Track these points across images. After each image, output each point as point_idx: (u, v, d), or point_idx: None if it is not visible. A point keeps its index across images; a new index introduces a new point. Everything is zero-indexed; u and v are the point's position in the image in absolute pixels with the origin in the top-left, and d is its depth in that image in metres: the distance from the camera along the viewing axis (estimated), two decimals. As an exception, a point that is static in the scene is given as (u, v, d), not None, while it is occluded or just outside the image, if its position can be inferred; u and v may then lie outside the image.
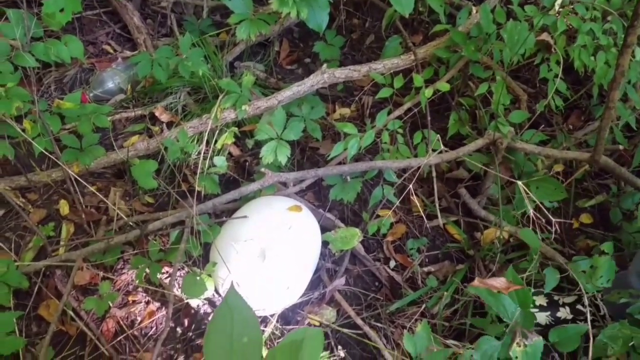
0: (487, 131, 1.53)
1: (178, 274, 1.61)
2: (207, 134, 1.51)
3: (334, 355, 1.48)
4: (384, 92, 1.60)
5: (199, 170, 1.47)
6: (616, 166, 1.49)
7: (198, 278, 1.49)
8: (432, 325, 1.57)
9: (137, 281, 1.51)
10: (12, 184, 1.69)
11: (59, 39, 1.64)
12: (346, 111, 1.85)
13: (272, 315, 1.51)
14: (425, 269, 1.69)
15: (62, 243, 1.64)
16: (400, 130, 1.61)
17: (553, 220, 1.36)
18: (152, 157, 1.75)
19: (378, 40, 2.11)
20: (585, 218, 1.82)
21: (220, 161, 1.61)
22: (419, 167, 1.54)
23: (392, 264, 1.71)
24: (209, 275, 1.51)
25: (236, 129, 1.62)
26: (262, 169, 1.59)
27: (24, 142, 1.63)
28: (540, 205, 1.47)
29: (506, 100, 1.50)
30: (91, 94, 1.85)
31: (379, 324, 1.60)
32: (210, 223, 1.56)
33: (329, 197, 1.64)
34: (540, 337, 1.27)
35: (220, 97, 1.61)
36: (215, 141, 1.58)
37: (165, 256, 1.53)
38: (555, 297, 1.60)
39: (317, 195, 1.79)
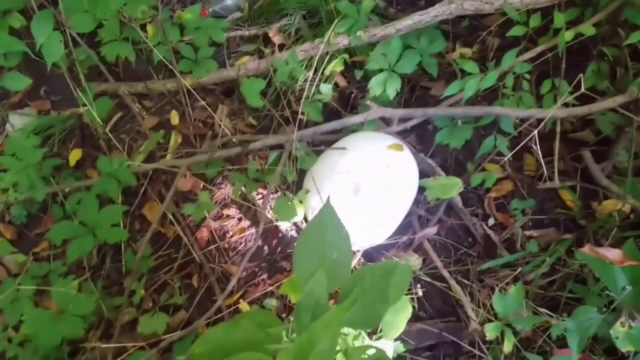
0: (630, 88, 1.29)
1: (271, 196, 1.59)
2: (317, 58, 1.43)
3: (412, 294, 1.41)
4: (517, 30, 1.39)
5: (304, 95, 1.40)
6: None
7: (290, 203, 1.46)
8: (525, 291, 1.43)
9: (233, 196, 1.51)
10: (130, 88, 1.75)
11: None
12: (467, 51, 1.67)
13: (357, 251, 1.46)
14: (527, 233, 1.53)
15: (169, 151, 1.69)
16: (528, 76, 1.42)
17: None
18: (261, 77, 1.71)
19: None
20: None
21: (327, 89, 1.53)
22: (541, 120, 1.35)
23: (491, 221, 1.57)
24: (300, 202, 1.48)
25: (347, 56, 1.52)
26: (368, 102, 1.49)
27: (144, 49, 1.66)
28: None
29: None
30: (210, 9, 1.83)
31: (465, 281, 1.49)
32: (308, 151, 1.51)
33: (435, 140, 1.51)
34: None
35: (335, 21, 1.50)
36: (325, 67, 1.50)
37: (262, 176, 1.52)
38: None
39: (419, 139, 1.66)
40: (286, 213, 1.45)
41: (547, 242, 1.52)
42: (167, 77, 1.78)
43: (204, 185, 1.59)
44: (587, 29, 1.32)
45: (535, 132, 1.21)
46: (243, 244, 1.61)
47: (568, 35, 1.32)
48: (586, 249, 1.14)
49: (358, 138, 1.47)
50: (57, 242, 1.42)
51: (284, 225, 1.53)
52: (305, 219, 1.52)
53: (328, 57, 1.52)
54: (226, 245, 1.60)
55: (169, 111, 1.76)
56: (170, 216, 1.58)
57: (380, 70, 1.45)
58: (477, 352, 1.39)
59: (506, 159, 1.40)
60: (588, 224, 1.49)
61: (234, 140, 1.58)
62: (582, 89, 1.13)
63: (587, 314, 1.10)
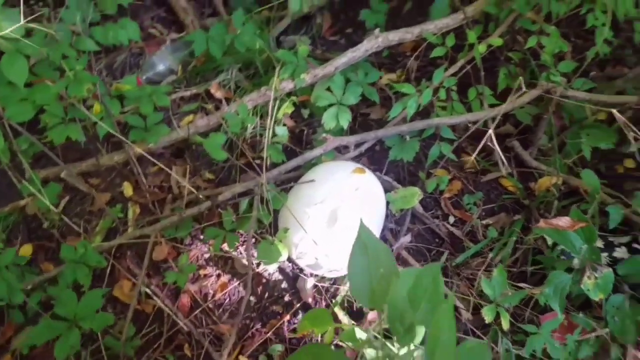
0: (540, 82, 1.50)
1: (246, 244, 1.58)
2: (271, 103, 1.47)
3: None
4: (438, 51, 1.55)
5: (266, 140, 1.43)
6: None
7: (272, 245, 1.46)
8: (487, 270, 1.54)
9: (214, 251, 1.48)
10: (75, 169, 1.65)
11: (114, 23, 1.60)
12: (392, 77, 1.81)
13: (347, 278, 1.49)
14: (484, 222, 1.66)
15: (130, 223, 1.61)
16: (455, 88, 1.57)
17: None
18: (213, 132, 1.71)
19: (416, 7, 2.07)
20: (630, 162, 1.78)
21: (282, 131, 1.57)
22: (475, 122, 1.50)
23: (452, 219, 1.68)
24: (281, 242, 1.48)
25: (295, 98, 1.58)
26: (323, 135, 1.55)
27: (88, 126, 1.59)
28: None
29: (564, 47, 1.46)
30: (143, 77, 1.80)
31: (445, 278, 1.57)
32: (277, 191, 1.53)
33: (386, 159, 1.60)
34: (610, 269, 1.25)
35: (277, 68, 1.56)
36: (277, 110, 1.54)
37: (238, 226, 1.50)
38: (611, 239, 1.58)
39: (371, 160, 1.75)
40: (271, 256, 1.44)
41: (501, 226, 1.66)
42: (111, 150, 1.71)
43: (179, 248, 1.54)
44: (495, 40, 1.51)
45: (467, 134, 1.35)
46: (228, 299, 1.56)
47: (481, 47, 1.49)
48: (541, 223, 1.27)
49: (322, 169, 1.52)
50: (39, 344, 1.28)
51: (271, 268, 1.52)
52: (289, 259, 1.52)
53: (278, 101, 1.57)
54: (211, 306, 1.54)
55: (120, 184, 1.69)
56: (148, 290, 1.50)
57: (330, 105, 1.52)
58: (474, 338, 1.47)
59: (446, 161, 1.52)
60: (531, 202, 1.65)
61: (200, 196, 1.55)
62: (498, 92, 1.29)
63: (559, 277, 1.22)
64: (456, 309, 1.47)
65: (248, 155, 1.65)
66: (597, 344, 1.25)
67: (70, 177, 1.61)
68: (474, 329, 1.46)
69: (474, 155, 1.41)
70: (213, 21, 1.91)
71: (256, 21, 1.81)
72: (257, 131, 1.71)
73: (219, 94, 1.76)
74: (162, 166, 1.56)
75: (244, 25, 1.66)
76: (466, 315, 1.46)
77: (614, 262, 1.56)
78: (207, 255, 1.60)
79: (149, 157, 1.54)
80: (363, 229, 0.74)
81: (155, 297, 1.49)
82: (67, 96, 1.38)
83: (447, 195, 1.69)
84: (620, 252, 1.56)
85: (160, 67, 1.82)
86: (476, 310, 1.49)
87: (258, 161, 1.69)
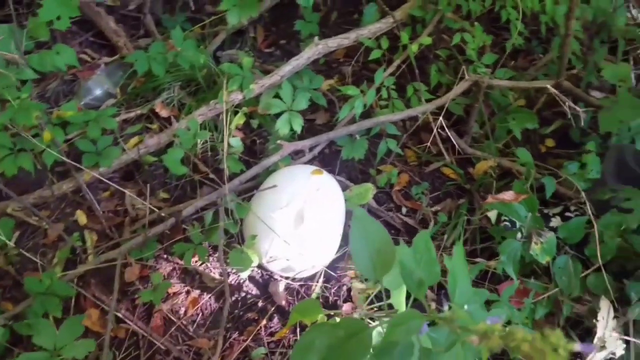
0: (469, 74, 1.72)
1: (212, 254, 1.64)
2: (224, 115, 1.56)
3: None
4: (375, 54, 1.73)
5: (224, 152, 1.51)
6: (573, 87, 1.73)
7: (242, 253, 1.54)
8: (450, 254, 1.73)
9: (186, 265, 1.52)
10: (20, 203, 1.63)
11: (48, 49, 1.61)
12: (331, 82, 1.96)
13: (319, 273, 1.60)
14: (433, 209, 1.85)
15: (89, 251, 1.61)
16: (393, 87, 1.75)
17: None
18: (163, 151, 1.76)
19: (341, 16, 2.25)
20: (550, 142, 2.07)
21: (236, 142, 1.66)
22: (416, 118, 1.69)
23: (404, 210, 1.85)
24: (250, 249, 1.56)
25: (246, 109, 1.68)
26: (278, 141, 1.66)
27: (37, 157, 1.58)
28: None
29: (488, 40, 1.69)
30: (81, 103, 1.81)
31: (406, 264, 1.73)
32: (239, 200, 1.61)
33: (342, 156, 1.74)
34: (553, 233, 1.47)
35: (225, 81, 1.65)
36: (229, 122, 1.63)
37: (205, 238, 1.56)
38: (545, 211, 1.82)
39: (323, 162, 1.88)
40: (243, 263, 1.52)
41: (449, 210, 1.86)
42: (57, 180, 1.70)
43: (148, 267, 1.57)
44: (425, 39, 1.71)
45: (412, 129, 1.53)
46: (200, 313, 1.61)
47: (414, 47, 1.69)
48: (489, 199, 1.47)
49: (281, 175, 1.62)
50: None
51: (243, 275, 1.59)
52: (259, 265, 1.60)
53: (229, 113, 1.66)
54: (185, 322, 1.58)
55: (72, 213, 1.68)
56: (119, 314, 1.51)
57: (282, 112, 1.64)
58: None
59: (393, 157, 1.69)
60: (472, 186, 1.87)
61: (162, 214, 1.59)
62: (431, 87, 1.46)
63: (510, 245, 1.41)
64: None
65: (202, 169, 1.72)
66: (550, 304, 1.45)
67: (18, 212, 1.59)
68: (440, 308, 1.63)
69: (430, 145, 1.58)
70: (146, 41, 1.96)
71: (192, 39, 1.88)
72: (207, 145, 1.78)
73: (164, 112, 1.81)
74: (118, 187, 1.59)
75: (185, 42, 1.73)
76: (430, 295, 1.62)
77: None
78: (174, 273, 1.64)
79: (105, 180, 1.57)
80: (358, 211, 0.85)
81: (128, 321, 1.51)
82: (15, 126, 1.38)
83: (397, 188, 1.86)
84: (555, 222, 1.80)
85: (98, 92, 1.84)
86: (439, 288, 1.65)
87: (212, 175, 1.76)
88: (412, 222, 1.82)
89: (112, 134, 1.66)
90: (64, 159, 1.50)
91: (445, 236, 1.75)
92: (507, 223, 1.70)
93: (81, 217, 1.66)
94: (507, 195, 1.47)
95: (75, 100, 1.78)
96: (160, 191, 1.76)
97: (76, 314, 1.53)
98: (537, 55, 2.19)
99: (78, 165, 1.52)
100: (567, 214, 1.79)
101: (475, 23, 1.71)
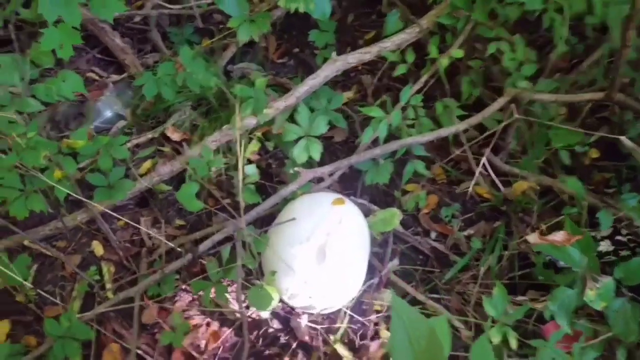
0: (506, 89, 1.65)
1: (232, 290, 1.67)
2: (238, 144, 1.55)
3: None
4: (401, 69, 1.68)
5: (240, 184, 1.51)
6: (628, 99, 1.65)
7: (261, 290, 1.55)
8: (486, 285, 1.70)
9: (205, 304, 1.55)
10: (37, 235, 1.68)
11: (54, 77, 1.62)
12: (349, 94, 1.93)
13: (344, 310, 1.61)
14: (465, 233, 1.82)
15: (108, 286, 1.66)
16: (421, 104, 1.71)
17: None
18: (176, 178, 1.78)
19: (357, 18, 2.19)
20: (594, 153, 1.99)
21: (252, 169, 1.66)
22: (446, 137, 1.64)
23: (433, 235, 1.83)
24: (270, 286, 1.58)
25: (259, 134, 1.67)
26: (295, 169, 1.65)
27: (47, 189, 1.62)
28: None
29: (532, 56, 1.61)
30: (91, 127, 1.83)
31: (435, 295, 1.72)
32: (257, 233, 1.62)
33: (366, 182, 1.73)
34: (610, 278, 1.41)
35: (237, 106, 1.64)
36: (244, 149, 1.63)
37: (223, 275, 1.58)
38: (592, 234, 1.74)
39: (343, 185, 1.86)
40: (263, 302, 1.53)
41: (482, 235, 1.83)
42: (71, 209, 1.74)
43: (165, 309, 1.61)
44: (457, 52, 1.65)
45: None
46: (221, 347, 1.65)
47: (444, 61, 1.63)
48: (536, 239, 1.42)
49: (300, 205, 1.62)
50: None
51: (264, 315, 1.61)
52: (280, 300, 1.62)
53: (241, 139, 1.65)
54: (206, 356, 1.63)
55: (88, 243, 1.73)
56: (140, 352, 1.57)
57: (299, 137, 1.62)
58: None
59: (425, 178, 1.66)
60: (508, 208, 1.83)
61: (179, 249, 1.62)
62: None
63: (564, 292, 1.37)
64: (455, 327, 1.62)
65: (217, 197, 1.73)
66: (601, 347, 1.41)
67: (34, 244, 1.65)
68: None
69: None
70: (155, 57, 1.96)
71: (200, 53, 1.87)
72: (221, 170, 1.78)
73: (175, 136, 1.82)
74: (129, 222, 1.62)
75: (194, 62, 1.72)
76: (467, 333, 1.60)
77: (600, 257, 1.73)
78: (194, 304, 1.67)
79: (114, 214, 1.60)
80: (398, 303, 0.82)
81: (149, 357, 1.56)
82: (23, 164, 1.42)
83: (425, 210, 1.83)
84: (605, 246, 1.73)
85: (108, 114, 1.85)
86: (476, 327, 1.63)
87: (228, 200, 1.77)
88: (442, 248, 1.80)
89: (124, 163, 1.68)
90: (77, 195, 1.53)
91: (482, 267, 1.71)
92: None
93: (97, 247, 1.71)
94: (558, 236, 1.42)
95: (86, 126, 1.81)
96: (176, 219, 1.78)
97: (96, 349, 1.59)
98: (576, 53, 2.08)
99: (89, 199, 1.54)
100: (618, 237, 1.73)
101: (516, 35, 1.63)
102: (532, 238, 1.43)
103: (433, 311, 1.65)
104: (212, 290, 1.55)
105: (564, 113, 1.87)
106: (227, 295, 1.55)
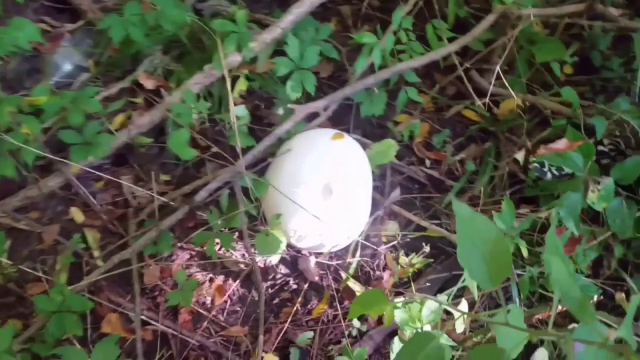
0: (495, 5, 1.58)
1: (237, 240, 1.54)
2: (228, 82, 1.40)
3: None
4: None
5: (235, 125, 1.37)
6: (607, 10, 1.62)
7: (268, 236, 1.44)
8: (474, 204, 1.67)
9: (210, 254, 1.42)
10: (4, 208, 1.46)
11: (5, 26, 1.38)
12: (330, 27, 1.79)
13: (356, 245, 1.53)
14: (458, 158, 1.77)
15: (96, 254, 1.48)
16: (411, 27, 1.60)
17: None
18: (157, 128, 1.60)
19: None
20: (568, 69, 1.98)
21: (242, 110, 1.51)
22: (437, 61, 1.56)
23: (427, 163, 1.77)
24: (275, 229, 1.47)
25: (246, 71, 1.51)
26: (289, 105, 1.52)
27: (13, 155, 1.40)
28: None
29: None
30: (51, 82, 1.60)
31: (438, 220, 1.67)
32: (256, 177, 1.49)
33: (361, 114, 1.63)
34: (610, 178, 1.41)
35: (219, 41, 1.48)
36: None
37: (226, 224, 1.45)
38: None
39: (335, 120, 1.75)
40: (271, 247, 1.42)
41: (474, 157, 1.79)
42: (40, 177, 1.52)
43: (163, 260, 1.46)
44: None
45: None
46: (229, 300, 1.53)
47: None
48: (541, 150, 1.40)
49: (298, 142, 1.50)
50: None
51: (274, 260, 1.50)
52: (288, 245, 1.51)
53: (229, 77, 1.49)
54: (214, 312, 1.51)
55: (65, 211, 1.53)
56: (143, 317, 1.42)
57: (291, 72, 1.48)
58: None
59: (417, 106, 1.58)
60: (497, 128, 1.79)
61: (171, 202, 1.47)
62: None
63: (570, 197, 1.36)
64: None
65: (206, 144, 1.58)
66: (600, 248, 1.43)
67: (4, 218, 1.44)
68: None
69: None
70: (114, 0, 1.72)
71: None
72: (204, 117, 1.62)
73: (149, 83, 1.62)
74: (111, 178, 1.44)
75: (161, -1, 1.52)
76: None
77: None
78: (193, 261, 1.54)
79: (93, 171, 1.42)
80: (461, 209, 0.74)
81: (153, 322, 1.42)
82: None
83: (418, 139, 1.76)
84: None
85: (67, 67, 1.63)
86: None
87: (215, 149, 1.62)
88: (437, 175, 1.75)
89: (99, 118, 1.48)
90: (47, 155, 1.34)
91: (480, 188, 1.67)
92: (536, 165, 1.64)
93: (77, 214, 1.52)
94: (561, 144, 1.40)
95: (44, 82, 1.58)
96: (161, 174, 1.61)
97: (94, 322, 1.43)
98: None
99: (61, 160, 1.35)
100: (600, 147, 1.74)
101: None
102: (540, 151, 1.40)
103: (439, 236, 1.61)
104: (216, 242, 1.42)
105: (540, 30, 1.83)
106: (233, 244, 1.42)
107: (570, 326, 1.37)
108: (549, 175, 1.63)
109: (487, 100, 1.61)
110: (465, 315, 1.07)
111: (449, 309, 1.07)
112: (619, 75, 1.88)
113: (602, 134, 1.46)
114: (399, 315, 1.17)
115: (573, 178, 1.46)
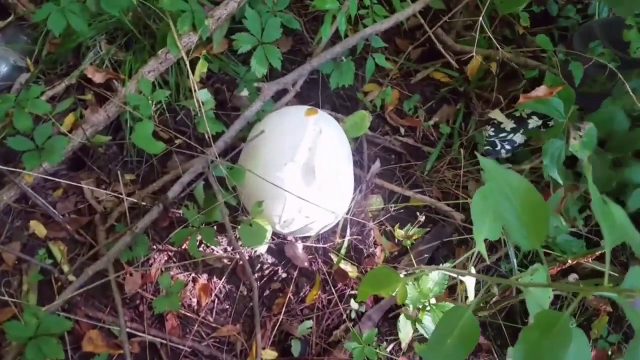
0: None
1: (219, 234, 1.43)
2: (187, 64, 1.27)
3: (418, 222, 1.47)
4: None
5: (202, 111, 1.25)
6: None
7: (252, 225, 1.34)
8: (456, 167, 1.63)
9: (191, 253, 1.31)
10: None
11: None
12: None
13: (343, 225, 1.45)
14: (431, 122, 1.71)
15: (65, 268, 1.34)
16: (372, -10, 1.52)
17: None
18: (112, 125, 1.46)
19: None
20: (524, 21, 1.94)
21: (206, 95, 1.39)
22: (399, 24, 1.48)
23: (402, 131, 1.70)
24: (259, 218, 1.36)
25: (205, 52, 1.39)
26: (256, 84, 1.41)
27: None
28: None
29: None
30: (-15, 88, 1.43)
31: (419, 189, 1.61)
32: (229, 165, 1.38)
33: (331, 86, 1.53)
34: (591, 123, 1.38)
35: (171, 23, 1.34)
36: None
37: (205, 219, 1.34)
38: (517, 114, 1.69)
39: (300, 97, 1.65)
40: (257, 237, 1.32)
41: (446, 120, 1.74)
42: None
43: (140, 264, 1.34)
44: None
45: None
46: (216, 299, 1.43)
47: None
48: (521, 99, 1.35)
49: (271, 123, 1.39)
50: None
51: (262, 250, 1.41)
52: (273, 233, 1.42)
53: (187, 63, 1.37)
54: (203, 314, 1.40)
55: (25, 225, 1.38)
56: (129, 329, 1.30)
57: (253, 47, 1.37)
58: (467, 236, 1.56)
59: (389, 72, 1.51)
60: (467, 87, 1.74)
61: (142, 203, 1.34)
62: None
63: (553, 144, 1.31)
64: (446, 214, 1.54)
65: (170, 136, 1.45)
66: (582, 198, 1.40)
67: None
68: (466, 226, 1.55)
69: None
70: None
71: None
72: (163, 106, 1.49)
73: (97, 77, 1.47)
74: (70, 183, 1.30)
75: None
76: (459, 215, 1.52)
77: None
78: (171, 262, 1.42)
79: (51, 177, 1.28)
80: (487, 164, 0.66)
81: (139, 333, 1.31)
82: None
83: (390, 108, 1.69)
84: (534, 121, 1.68)
85: (3, 68, 1.45)
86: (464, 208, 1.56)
87: (180, 140, 1.50)
88: (413, 142, 1.69)
89: (48, 120, 1.33)
90: (-1, 167, 1.19)
91: (453, 152, 1.63)
92: (488, 147, 1.61)
93: (38, 228, 1.37)
94: (540, 91, 1.35)
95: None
96: (124, 174, 1.47)
97: (74, 342, 1.30)
98: None
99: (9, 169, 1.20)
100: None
101: None
102: (520, 100, 1.35)
103: (423, 204, 1.56)
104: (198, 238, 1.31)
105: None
106: (217, 239, 1.31)
107: (570, 277, 1.35)
108: (503, 152, 1.60)
109: (457, 58, 1.55)
110: (474, 283, 1.02)
111: (462, 278, 1.01)
112: (577, 21, 1.88)
113: (579, 80, 1.42)
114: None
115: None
